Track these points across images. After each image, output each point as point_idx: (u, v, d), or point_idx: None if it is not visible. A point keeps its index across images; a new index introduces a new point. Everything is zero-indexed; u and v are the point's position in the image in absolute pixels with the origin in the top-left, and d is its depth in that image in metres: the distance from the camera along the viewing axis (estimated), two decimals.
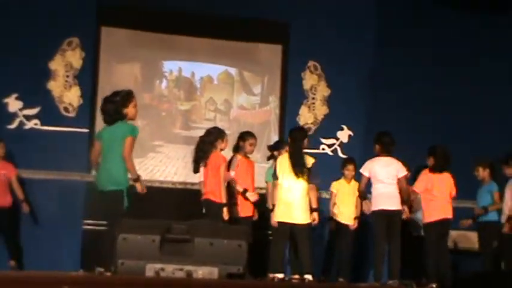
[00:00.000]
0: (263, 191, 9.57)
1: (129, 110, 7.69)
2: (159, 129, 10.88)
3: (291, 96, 11.17)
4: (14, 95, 10.32)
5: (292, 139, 8.79)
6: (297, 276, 8.53)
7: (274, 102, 11.25)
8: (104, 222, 7.85)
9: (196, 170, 8.97)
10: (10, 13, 10.27)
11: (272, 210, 8.71)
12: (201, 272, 6.96)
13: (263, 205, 9.27)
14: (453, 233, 10.05)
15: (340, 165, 10.25)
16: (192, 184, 10.06)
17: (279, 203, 8.62)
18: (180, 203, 10.22)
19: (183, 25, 10.85)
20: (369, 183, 9.20)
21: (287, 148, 8.94)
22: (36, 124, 10.37)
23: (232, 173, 9.03)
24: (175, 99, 11.07)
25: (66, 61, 10.51)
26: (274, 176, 8.72)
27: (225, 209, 8.63)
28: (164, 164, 10.74)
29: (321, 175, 8.90)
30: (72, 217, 10.15)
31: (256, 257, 8.39)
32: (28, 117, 10.36)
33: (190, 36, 11.01)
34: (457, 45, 11.37)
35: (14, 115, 10.32)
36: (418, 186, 9.39)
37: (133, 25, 10.78)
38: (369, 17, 11.24)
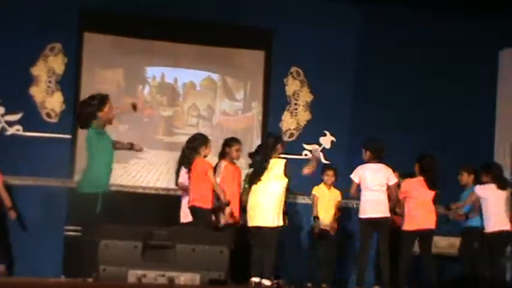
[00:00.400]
0: None
1: (104, 113, 7.67)
2: (141, 135, 10.85)
3: (273, 102, 11.19)
4: None
5: (264, 146, 8.79)
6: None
7: (257, 108, 11.27)
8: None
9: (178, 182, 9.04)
10: None
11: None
12: (183, 278, 6.96)
13: None
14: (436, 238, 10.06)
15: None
16: (175, 190, 10.04)
17: (248, 208, 8.65)
18: (163, 209, 10.21)
19: (165, 31, 10.85)
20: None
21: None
22: (18, 130, 10.34)
23: (217, 179, 9.00)
24: (158, 105, 11.07)
25: (48, 67, 10.49)
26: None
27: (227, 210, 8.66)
28: (147, 170, 10.73)
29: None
30: (54, 223, 10.12)
31: (240, 262, 8.47)
32: (10, 123, 10.33)
33: (173, 42, 11.01)
34: (441, 51, 11.42)
35: None
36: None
37: (116, 31, 10.77)
38: (352, 23, 11.28)
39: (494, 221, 9.47)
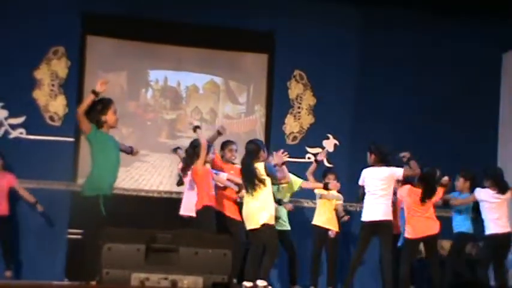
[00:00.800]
0: None
1: (109, 117, 7.64)
2: (144, 139, 10.87)
3: (276, 105, 11.19)
4: None
5: (245, 152, 8.79)
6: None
7: (259, 111, 11.27)
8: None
9: (180, 183, 9.03)
10: None
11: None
12: (186, 281, 6.94)
13: None
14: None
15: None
16: (178, 193, 10.05)
17: (244, 214, 8.65)
18: (166, 212, 10.20)
19: (169, 34, 10.86)
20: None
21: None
22: (21, 133, 10.36)
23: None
24: (161, 108, 11.07)
25: (51, 70, 10.51)
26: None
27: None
28: (150, 173, 10.74)
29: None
30: (57, 226, 10.13)
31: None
32: (13, 127, 10.34)
33: (176, 45, 11.03)
34: (444, 54, 11.41)
35: None
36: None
37: (118, 34, 10.78)
38: (355, 26, 11.28)
39: (494, 225, 9.47)
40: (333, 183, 9.62)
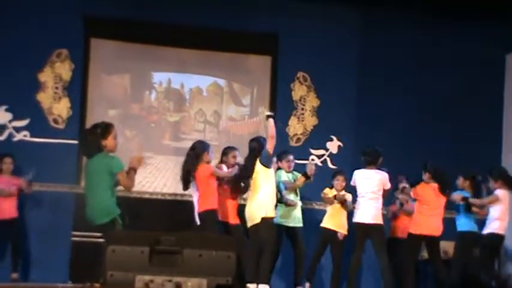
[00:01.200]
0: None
1: (108, 142, 7.53)
2: (148, 141, 10.88)
3: (280, 107, 11.18)
4: (4, 107, 10.33)
5: (249, 151, 8.79)
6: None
7: (263, 113, 11.25)
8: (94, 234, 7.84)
9: (185, 187, 9.03)
10: None
11: None
12: (190, 283, 6.94)
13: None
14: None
15: (329, 175, 10.26)
16: (182, 195, 10.06)
17: (246, 212, 8.75)
18: (170, 214, 10.22)
19: (172, 36, 10.87)
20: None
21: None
22: (25, 136, 10.37)
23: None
24: (165, 110, 11.08)
25: (55, 73, 10.52)
26: None
27: None
28: (154, 176, 10.73)
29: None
30: (61, 228, 10.14)
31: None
32: (17, 129, 10.36)
33: (179, 47, 11.03)
34: (447, 55, 11.41)
35: (3, 127, 10.33)
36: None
37: (122, 37, 10.79)
38: (358, 28, 11.28)
39: (503, 225, 9.53)
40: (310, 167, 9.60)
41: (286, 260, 10.08)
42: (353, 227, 9.37)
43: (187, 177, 8.97)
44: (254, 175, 8.61)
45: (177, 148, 10.70)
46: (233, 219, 9.13)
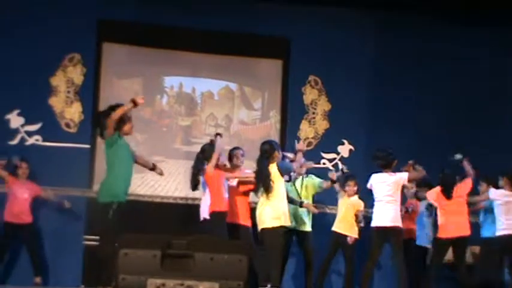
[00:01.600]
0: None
1: (125, 124, 7.65)
2: (159, 145, 10.90)
3: (291, 111, 11.19)
4: (16, 111, 10.36)
5: (260, 153, 8.82)
6: None
7: (274, 117, 11.27)
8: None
9: (194, 188, 9.05)
10: (11, 29, 10.32)
11: None
12: (202, 287, 6.95)
13: None
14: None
15: (341, 179, 10.25)
16: (193, 199, 10.07)
17: (257, 215, 8.75)
18: (181, 217, 10.23)
19: (183, 41, 10.90)
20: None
21: None
22: (37, 140, 10.40)
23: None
24: (176, 114, 11.10)
25: (67, 77, 10.56)
26: None
27: None
28: (165, 180, 10.74)
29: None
30: (74, 233, 10.16)
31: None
32: (30, 133, 10.39)
33: (191, 51, 11.05)
34: (458, 58, 11.37)
35: (15, 131, 10.36)
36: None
37: (134, 41, 10.82)
38: (369, 31, 11.28)
39: (506, 225, 9.52)
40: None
41: (298, 264, 10.07)
42: (371, 231, 9.30)
43: (196, 179, 8.99)
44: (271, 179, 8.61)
45: (188, 152, 10.71)
46: (243, 221, 9.12)
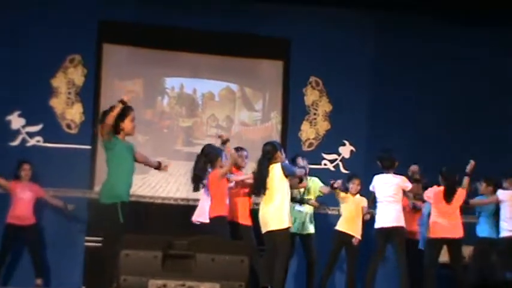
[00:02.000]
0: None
1: (126, 124, 7.64)
2: (160, 146, 10.90)
3: (292, 112, 11.19)
4: (17, 112, 10.36)
5: (262, 154, 8.80)
6: None
7: (275, 118, 11.27)
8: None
9: (196, 189, 9.05)
10: (12, 30, 10.32)
11: None
12: (203, 287, 6.95)
13: None
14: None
15: (342, 180, 10.24)
16: (194, 200, 10.04)
17: (260, 216, 8.72)
18: (182, 219, 10.20)
19: (184, 42, 10.90)
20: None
21: None
22: (38, 141, 10.41)
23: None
24: (177, 115, 11.10)
25: (68, 78, 10.56)
26: None
27: None
28: (166, 181, 10.74)
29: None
30: (75, 234, 10.16)
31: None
32: (31, 134, 10.40)
33: (192, 52, 11.05)
34: (459, 58, 11.37)
35: (16, 132, 10.36)
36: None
37: (135, 42, 10.82)
38: (370, 32, 11.28)
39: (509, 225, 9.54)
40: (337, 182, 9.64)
41: (300, 264, 10.07)
42: (374, 232, 9.31)
43: (198, 180, 8.98)
44: (271, 180, 8.59)
45: (190, 153, 10.69)
46: (243, 220, 9.11)
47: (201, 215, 8.97)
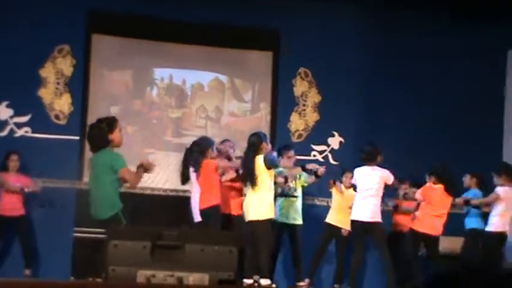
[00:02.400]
0: None
1: (115, 136, 7.55)
2: (150, 137, 10.88)
3: (281, 103, 11.18)
4: (5, 103, 10.32)
5: (247, 145, 8.81)
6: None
7: (265, 109, 11.26)
8: (96, 230, 7.86)
9: (184, 182, 9.06)
10: (0, 20, 10.26)
11: None
12: (192, 278, 6.94)
13: None
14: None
15: (330, 171, 10.24)
16: (184, 191, 10.05)
17: (244, 206, 8.77)
18: (172, 209, 10.22)
19: (174, 32, 10.87)
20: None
21: None
22: (26, 132, 10.36)
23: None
24: (166, 106, 11.07)
25: (56, 68, 10.51)
26: None
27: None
28: (155, 172, 10.66)
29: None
30: (63, 224, 10.14)
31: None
32: (19, 125, 10.35)
33: (181, 43, 11.03)
34: (449, 51, 11.39)
35: (4, 123, 10.32)
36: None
37: (124, 32, 10.79)
38: (360, 24, 11.27)
39: (504, 223, 9.58)
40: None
41: (289, 257, 10.08)
42: (351, 224, 9.32)
43: (187, 172, 9.00)
44: (256, 171, 8.60)
45: (179, 144, 10.69)
46: (236, 211, 9.15)
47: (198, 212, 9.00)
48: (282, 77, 11.19)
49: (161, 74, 11.08)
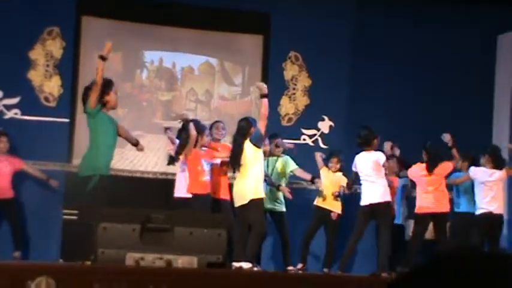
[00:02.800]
0: None
1: (110, 98, 7.66)
2: (139, 119, 10.86)
3: (272, 87, 11.04)
4: None
5: (236, 130, 8.83)
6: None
7: (255, 92, 11.23)
8: None
9: (170, 163, 9.11)
10: None
11: None
12: (181, 261, 6.97)
13: None
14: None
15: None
16: (173, 174, 10.05)
17: (234, 191, 8.77)
18: (161, 192, 10.21)
19: (164, 15, 10.83)
20: None
21: None
22: (16, 114, 10.33)
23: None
24: (156, 89, 11.05)
25: (46, 50, 10.47)
26: None
27: None
28: (144, 154, 10.70)
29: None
30: (52, 207, 10.13)
31: None
32: (8, 107, 10.32)
33: (171, 26, 10.99)
34: (438, 36, 11.38)
35: None
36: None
37: (114, 15, 10.75)
38: (350, 8, 11.25)
39: (486, 205, 9.56)
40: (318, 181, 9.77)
41: (276, 244, 10.10)
42: (359, 210, 9.29)
43: (176, 157, 9.06)
44: (245, 156, 8.61)
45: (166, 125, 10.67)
46: (224, 195, 9.18)
47: (181, 191, 9.03)
48: (272, 61, 11.17)
49: (151, 56, 11.05)
